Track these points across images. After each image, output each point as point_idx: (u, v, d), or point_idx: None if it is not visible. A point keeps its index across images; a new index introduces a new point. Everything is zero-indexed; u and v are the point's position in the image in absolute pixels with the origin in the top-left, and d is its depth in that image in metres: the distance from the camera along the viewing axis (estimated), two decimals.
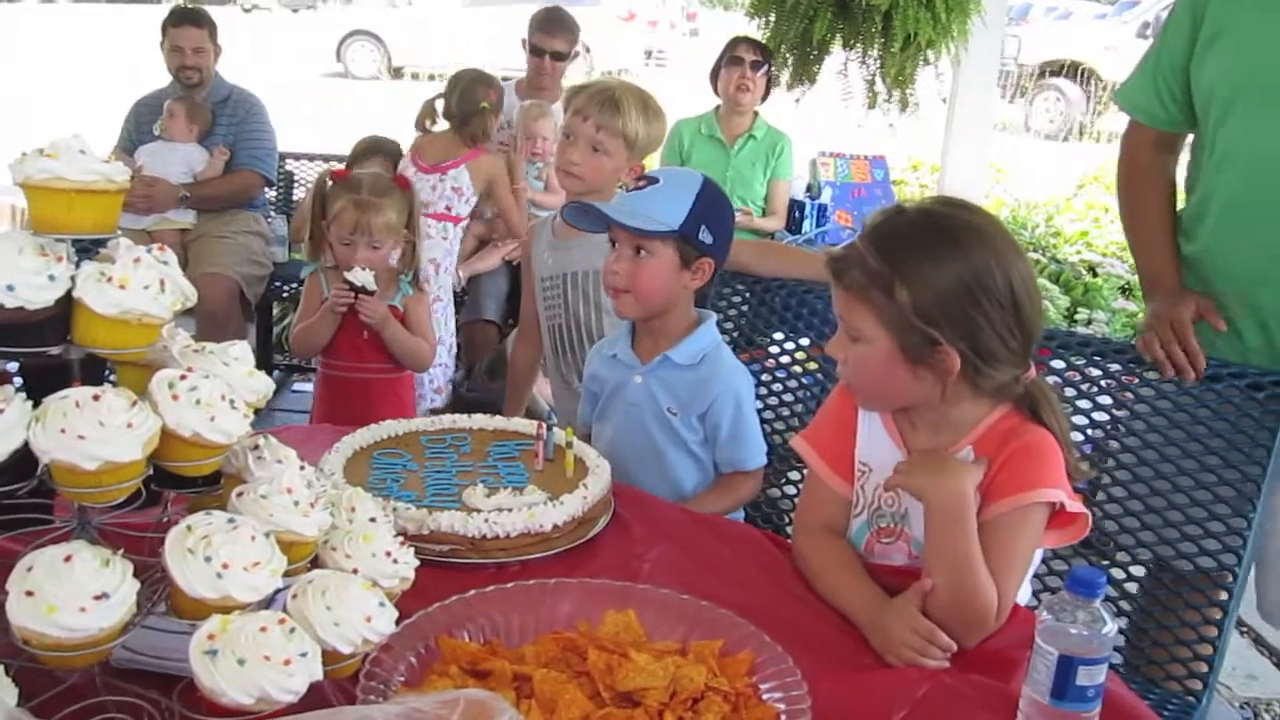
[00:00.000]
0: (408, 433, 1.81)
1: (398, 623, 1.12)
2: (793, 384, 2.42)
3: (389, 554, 1.15)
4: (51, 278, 0.95)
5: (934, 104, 5.15)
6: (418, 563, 1.20)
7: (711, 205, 1.97)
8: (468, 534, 1.46)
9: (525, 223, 3.88)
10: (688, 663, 1.17)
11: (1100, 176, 8.31)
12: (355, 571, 1.10)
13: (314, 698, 0.94)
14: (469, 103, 3.77)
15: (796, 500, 2.23)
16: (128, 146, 4.21)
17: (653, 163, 4.82)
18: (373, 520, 1.21)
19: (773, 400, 2.41)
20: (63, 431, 0.92)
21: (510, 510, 1.50)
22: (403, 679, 1.13)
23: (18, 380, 1.05)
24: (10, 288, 0.93)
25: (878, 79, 4.60)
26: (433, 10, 16.13)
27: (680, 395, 1.97)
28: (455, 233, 3.81)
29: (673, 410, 1.98)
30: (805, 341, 2.49)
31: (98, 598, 0.90)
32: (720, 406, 1.95)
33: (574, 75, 15.49)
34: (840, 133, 5.39)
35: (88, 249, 1.03)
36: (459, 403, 3.71)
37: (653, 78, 15.81)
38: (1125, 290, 5.57)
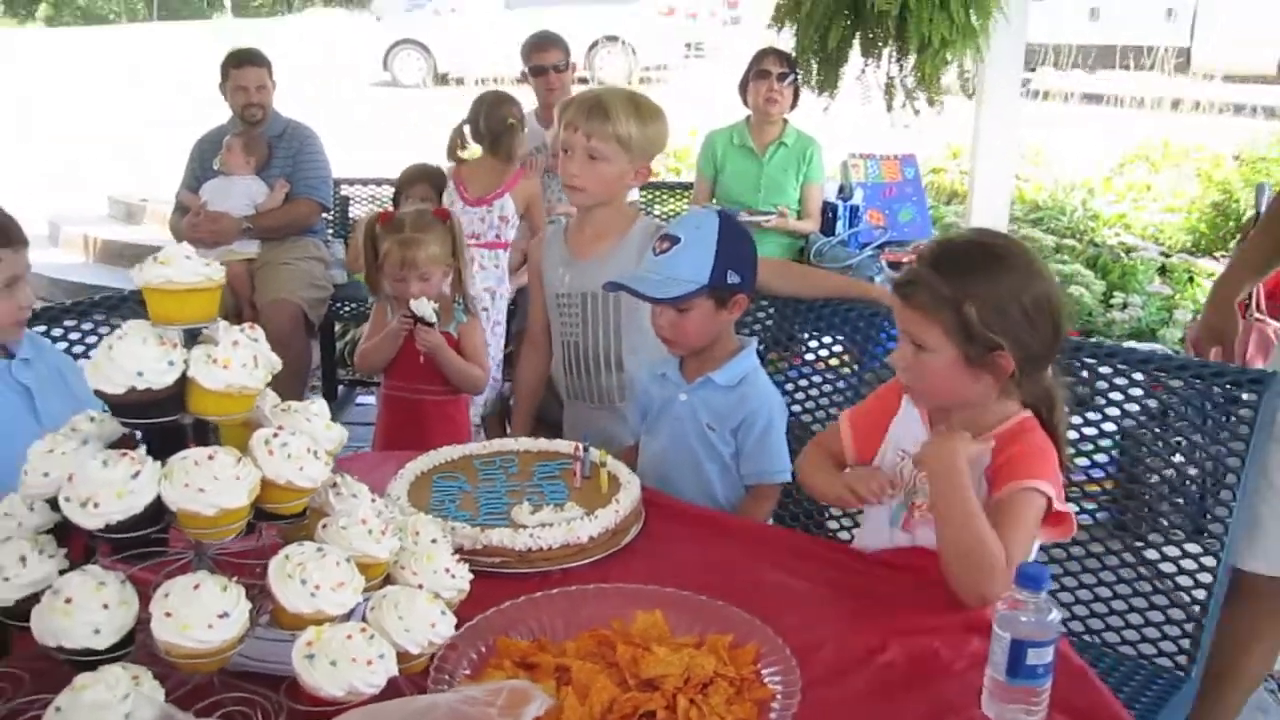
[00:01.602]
0: (462, 457, 2.04)
1: (458, 627, 1.36)
2: (825, 385, 2.63)
3: (448, 570, 1.39)
4: (170, 363, 1.20)
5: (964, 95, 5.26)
6: (472, 575, 1.43)
7: (732, 246, 2.16)
8: (515, 548, 1.69)
9: None
10: (701, 654, 1.38)
11: (1145, 154, 8.33)
12: (421, 586, 1.33)
13: (391, 690, 1.18)
14: (496, 121, 3.98)
15: None
16: (192, 185, 4.49)
17: (677, 157, 5.00)
18: (434, 541, 1.44)
19: (809, 402, 2.62)
20: (186, 485, 1.17)
21: (552, 525, 1.73)
22: (466, 672, 1.36)
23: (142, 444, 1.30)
24: (140, 374, 1.17)
25: (896, 82, 4.74)
26: (476, 15, 16.39)
27: (719, 411, 2.20)
28: (505, 258, 4.03)
29: (711, 426, 2.20)
30: (837, 343, 2.69)
31: (221, 616, 1.14)
32: (751, 421, 2.18)
33: (613, 74, 15.48)
34: (872, 133, 5.51)
35: (195, 332, 1.27)
36: (505, 412, 3.95)
37: (693, 70, 15.91)
38: (1163, 271, 5.66)
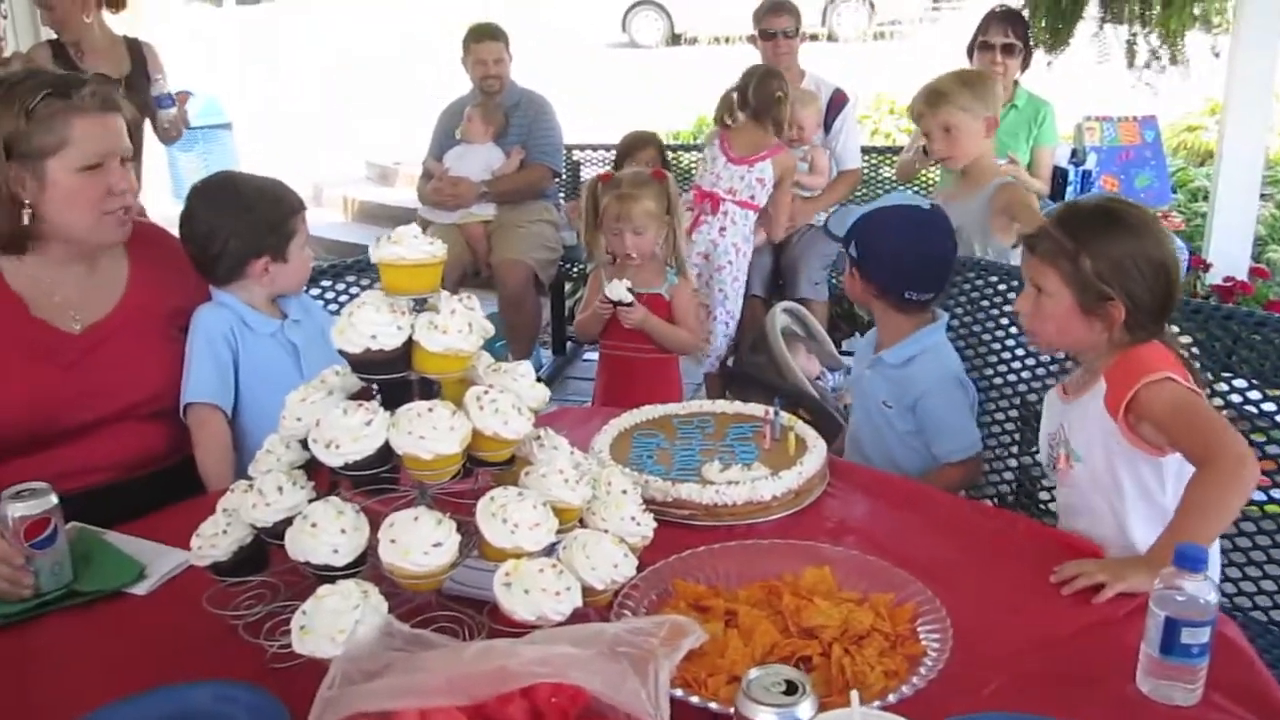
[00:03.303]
0: (663, 416, 2.20)
1: (642, 569, 1.52)
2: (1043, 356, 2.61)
3: (633, 518, 1.54)
4: (399, 328, 1.40)
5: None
6: (655, 524, 1.58)
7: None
8: (702, 502, 1.83)
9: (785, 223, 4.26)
10: (861, 609, 1.47)
11: None
12: (607, 531, 1.49)
13: (576, 619, 1.34)
14: (764, 94, 4.11)
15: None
16: (436, 152, 4.84)
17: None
18: (624, 492, 1.59)
19: (1026, 371, 2.60)
20: (409, 433, 1.36)
21: (738, 483, 1.86)
22: (645, 610, 1.52)
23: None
24: (374, 337, 1.38)
25: (1140, 39, 4.54)
26: None
27: (892, 391, 2.28)
28: (752, 220, 4.17)
29: (887, 403, 2.28)
30: None
31: (435, 545, 1.33)
32: (923, 406, 2.24)
33: (848, 29, 15.20)
34: (1109, 95, 5.28)
35: (422, 301, 1.47)
36: (724, 375, 4.11)
37: (942, 24, 15.38)
38: None
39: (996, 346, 2.64)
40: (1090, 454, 1.92)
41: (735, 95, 4.17)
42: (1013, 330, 2.64)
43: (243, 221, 2.15)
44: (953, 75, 3.25)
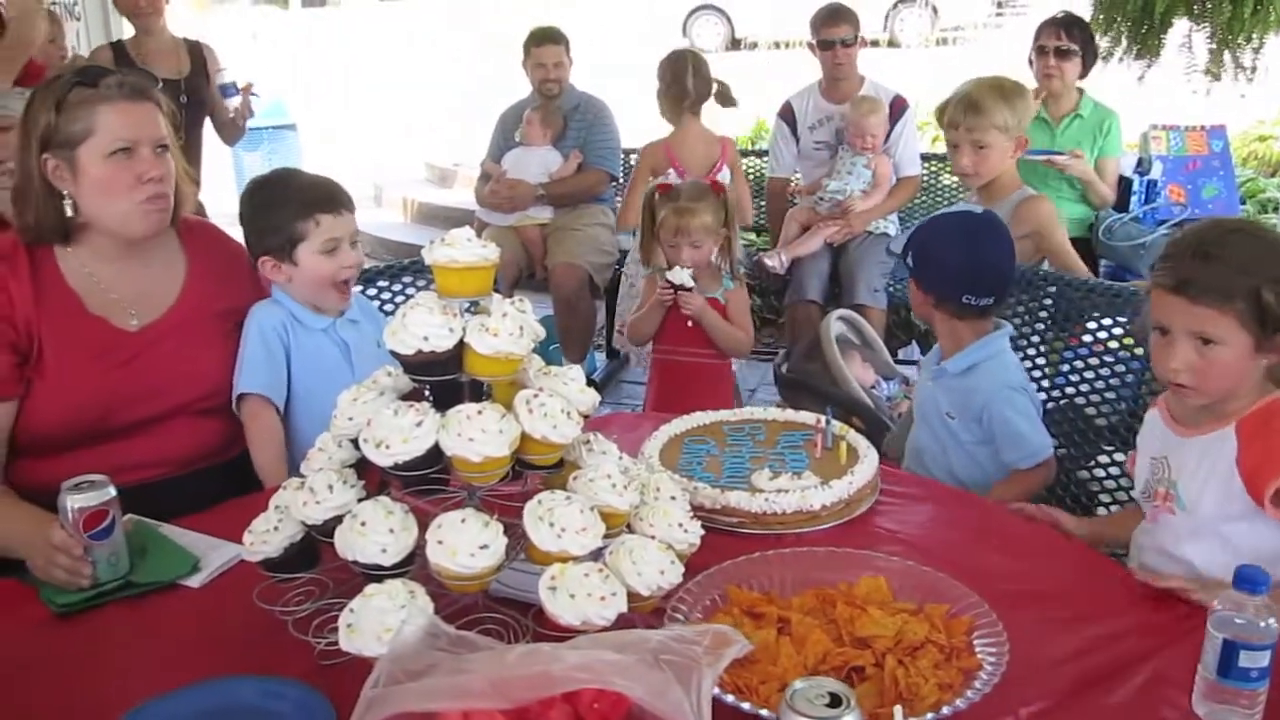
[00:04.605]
0: (714, 422, 2.19)
1: (695, 575, 1.51)
2: (1104, 370, 2.57)
3: (681, 525, 1.54)
4: (450, 330, 1.40)
5: None
6: (703, 531, 1.57)
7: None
8: (751, 510, 1.82)
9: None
10: (914, 619, 1.45)
11: None
12: (654, 537, 1.49)
13: (622, 624, 1.34)
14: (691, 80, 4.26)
15: (1105, 482, 2.46)
16: (495, 155, 4.88)
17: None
18: (672, 498, 1.58)
19: (1085, 385, 2.58)
20: (459, 435, 1.37)
21: (787, 491, 1.85)
22: (698, 615, 1.50)
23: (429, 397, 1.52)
24: (426, 338, 1.39)
25: (1224, 49, 4.43)
26: None
27: (955, 401, 2.25)
28: None
29: (950, 414, 2.25)
30: (1117, 325, 2.62)
31: (482, 547, 1.34)
32: (989, 414, 2.21)
33: (911, 35, 15.04)
34: (1176, 103, 5.17)
35: (474, 303, 1.48)
36: (778, 381, 4.08)
37: (1008, 29, 15.15)
38: None
39: (1055, 359, 2.60)
40: (1199, 504, 1.76)
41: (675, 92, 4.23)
42: (1076, 345, 2.60)
43: (254, 220, 2.22)
44: (990, 86, 3.03)
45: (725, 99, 4.40)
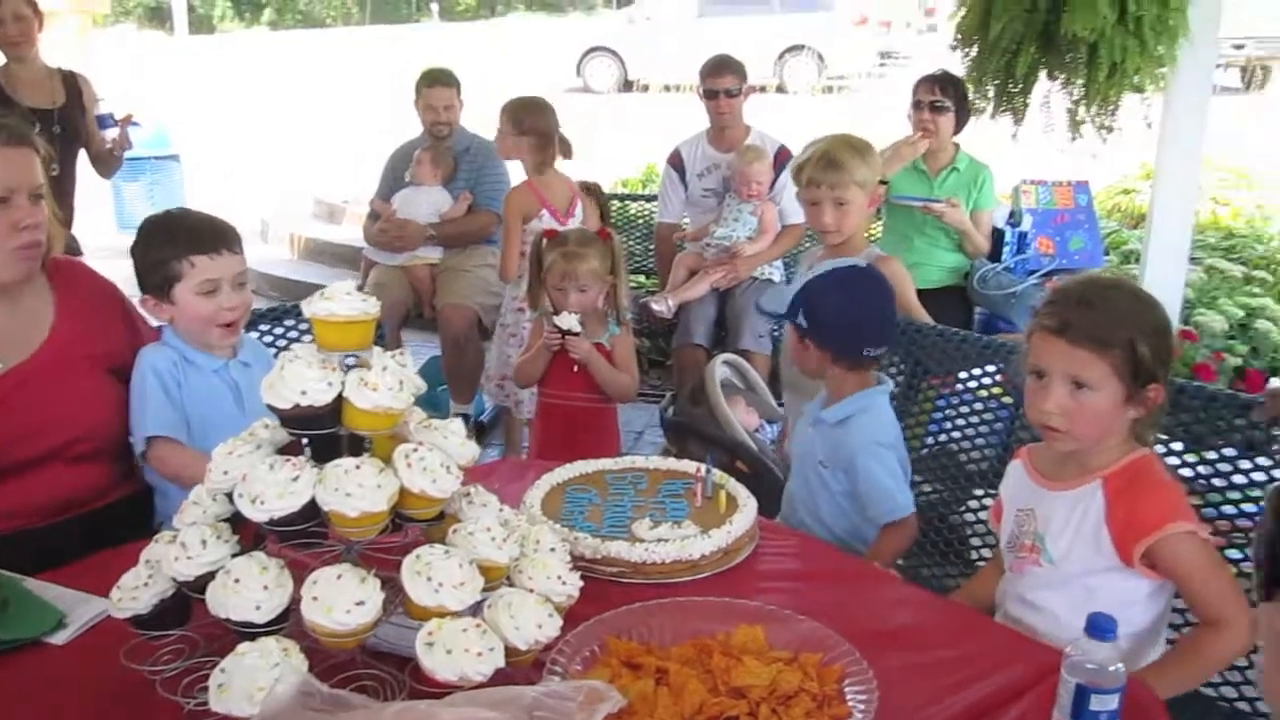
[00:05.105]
0: (596, 471, 2.21)
1: (575, 626, 1.52)
2: (975, 416, 2.68)
3: (560, 578, 1.55)
4: (329, 384, 1.40)
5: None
6: (582, 583, 1.59)
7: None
8: (631, 560, 1.84)
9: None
10: (789, 668, 1.49)
11: None
12: (533, 590, 1.50)
13: (499, 678, 1.35)
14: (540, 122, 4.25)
15: (975, 526, 2.54)
16: (385, 193, 4.86)
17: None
18: (552, 550, 1.60)
19: (955, 431, 2.67)
20: (335, 490, 1.37)
21: (667, 541, 1.88)
22: (578, 666, 1.51)
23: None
24: (304, 392, 1.39)
25: (1080, 109, 4.65)
26: (668, 23, 16.66)
27: (828, 450, 2.31)
28: None
29: (824, 463, 2.31)
30: (988, 374, 2.73)
31: (358, 603, 1.33)
32: (854, 467, 2.27)
33: (799, 82, 15.41)
34: (1047, 158, 5.41)
35: (354, 357, 1.48)
36: (664, 425, 4.12)
37: (889, 80, 15.68)
38: None
39: (929, 406, 2.70)
40: (1067, 558, 1.81)
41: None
42: (949, 393, 2.70)
43: (138, 258, 2.21)
44: (844, 143, 3.05)
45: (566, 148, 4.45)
